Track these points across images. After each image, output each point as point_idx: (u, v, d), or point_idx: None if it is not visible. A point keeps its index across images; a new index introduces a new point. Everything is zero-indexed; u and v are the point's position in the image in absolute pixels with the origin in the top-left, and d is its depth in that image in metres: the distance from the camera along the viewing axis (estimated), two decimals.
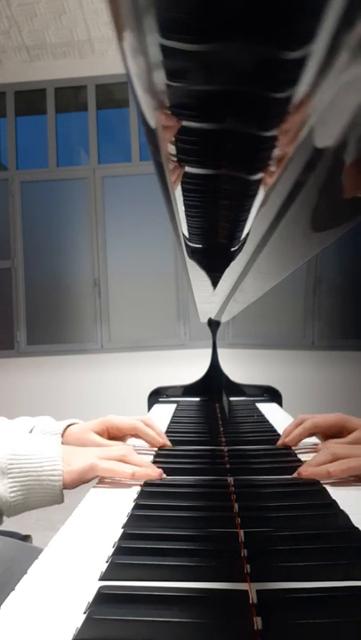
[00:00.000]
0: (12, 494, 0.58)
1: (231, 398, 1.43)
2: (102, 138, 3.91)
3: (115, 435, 0.82)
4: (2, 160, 3.97)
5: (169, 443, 0.83)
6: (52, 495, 0.60)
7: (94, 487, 0.64)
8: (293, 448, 0.81)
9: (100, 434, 0.79)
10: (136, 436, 0.83)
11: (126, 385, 3.58)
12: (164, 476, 0.64)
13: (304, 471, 0.63)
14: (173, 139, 0.20)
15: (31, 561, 0.43)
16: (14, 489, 0.58)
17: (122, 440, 0.83)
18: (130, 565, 0.41)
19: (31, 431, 0.79)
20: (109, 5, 0.12)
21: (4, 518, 0.60)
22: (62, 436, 0.78)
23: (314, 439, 0.84)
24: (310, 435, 0.82)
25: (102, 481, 0.65)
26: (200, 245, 0.43)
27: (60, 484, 0.60)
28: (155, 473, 0.63)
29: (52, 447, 0.62)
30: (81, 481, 0.62)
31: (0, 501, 0.58)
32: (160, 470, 0.64)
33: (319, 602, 0.35)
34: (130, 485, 0.63)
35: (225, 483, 0.64)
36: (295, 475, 0.64)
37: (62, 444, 0.76)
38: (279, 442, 0.84)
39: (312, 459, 0.66)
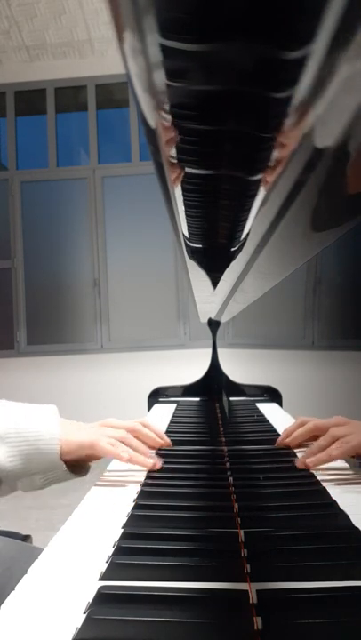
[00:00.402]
0: (10, 461, 0.59)
1: (231, 398, 1.43)
2: (102, 138, 3.91)
3: None
4: (2, 160, 3.97)
5: (169, 442, 0.83)
6: (50, 462, 0.61)
7: (95, 485, 0.64)
8: (294, 448, 0.81)
9: None
10: (136, 438, 0.83)
11: (126, 385, 3.58)
12: (159, 466, 0.66)
13: (310, 462, 0.64)
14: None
15: (31, 561, 0.43)
16: (12, 455, 0.59)
17: None
18: (130, 565, 0.41)
19: None
20: (109, 5, 0.12)
21: (3, 521, 0.60)
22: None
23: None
24: (311, 436, 0.82)
25: (103, 480, 0.65)
26: (200, 245, 0.43)
27: (57, 449, 0.60)
28: (148, 463, 0.65)
29: (50, 416, 0.63)
30: (78, 453, 0.63)
31: None
32: (153, 462, 0.65)
33: (319, 602, 0.35)
34: (128, 484, 0.63)
35: (225, 483, 0.64)
36: (299, 465, 0.65)
37: None
38: (279, 440, 0.83)
39: (312, 445, 0.67)
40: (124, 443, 0.65)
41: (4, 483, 0.61)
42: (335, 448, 0.64)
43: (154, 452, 0.70)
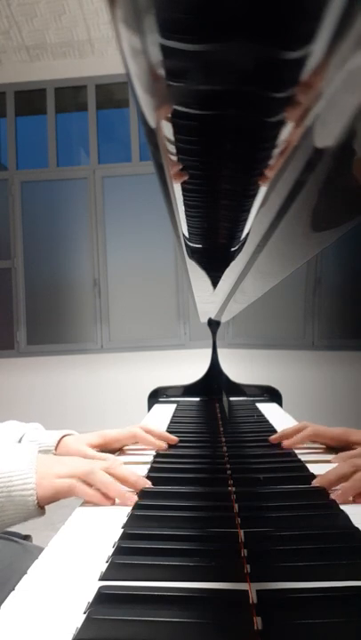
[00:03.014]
0: None
1: (231, 398, 1.43)
2: (102, 138, 3.91)
3: (114, 446, 0.81)
4: (2, 160, 3.97)
5: (175, 438, 0.82)
6: (25, 511, 0.55)
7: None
8: (294, 448, 0.81)
9: (98, 446, 0.77)
10: (137, 444, 0.82)
11: (126, 385, 3.58)
12: (133, 500, 0.57)
13: (337, 497, 0.56)
14: (173, 138, 0.20)
15: (31, 561, 0.43)
16: None
17: (120, 450, 0.82)
18: (130, 565, 0.41)
19: (20, 440, 0.75)
20: (109, 5, 0.12)
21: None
22: (56, 447, 0.74)
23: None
24: (308, 440, 0.81)
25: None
26: (200, 245, 0.43)
27: (33, 499, 0.55)
28: (130, 500, 0.56)
29: (24, 459, 0.57)
30: (57, 498, 0.57)
31: None
32: (134, 498, 0.57)
33: (319, 602, 0.35)
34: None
35: (225, 483, 0.64)
36: (316, 484, 0.60)
37: (55, 454, 0.73)
38: (275, 437, 0.83)
39: (333, 469, 0.60)
40: (111, 473, 0.58)
41: None
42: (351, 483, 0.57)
43: (129, 489, 0.58)
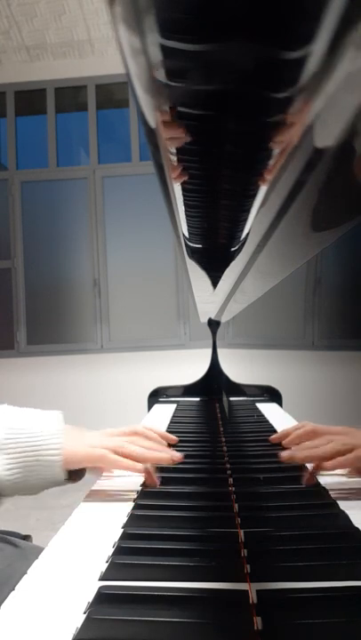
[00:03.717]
0: (9, 472, 0.55)
1: (231, 398, 1.43)
2: (102, 138, 3.91)
3: None
4: (2, 160, 3.97)
5: (175, 438, 0.82)
6: (52, 474, 0.57)
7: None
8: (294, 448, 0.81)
9: None
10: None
11: (126, 385, 3.58)
12: (178, 457, 0.61)
13: (299, 456, 0.62)
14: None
15: (31, 561, 0.43)
16: (11, 466, 0.55)
17: None
18: (130, 565, 0.41)
19: None
20: (109, 5, 0.12)
21: (3, 521, 0.59)
22: None
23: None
24: (306, 439, 0.81)
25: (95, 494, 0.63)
26: (200, 245, 0.43)
27: (59, 458, 0.56)
28: (165, 457, 0.60)
29: (52, 422, 0.59)
30: (83, 465, 0.59)
31: None
32: (169, 456, 0.61)
33: (319, 602, 0.35)
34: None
35: (225, 483, 0.64)
36: (283, 458, 0.63)
37: None
38: (275, 436, 0.83)
39: (306, 443, 0.64)
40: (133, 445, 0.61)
41: (4, 495, 0.57)
42: (329, 453, 0.61)
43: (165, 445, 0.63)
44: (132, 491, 0.61)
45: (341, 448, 0.62)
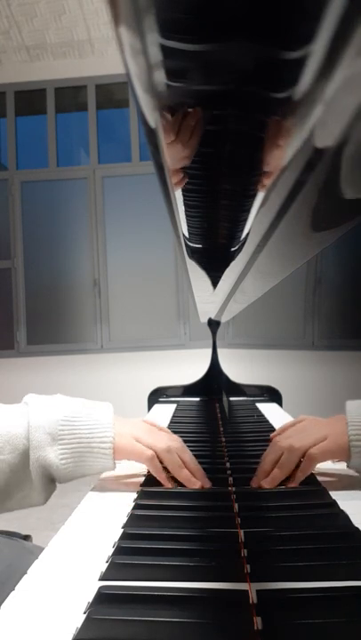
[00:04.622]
0: (63, 461, 0.58)
1: (231, 398, 1.43)
2: (102, 138, 3.91)
3: None
4: (2, 160, 3.97)
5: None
6: (101, 464, 0.59)
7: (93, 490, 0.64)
8: None
9: None
10: None
11: (126, 385, 3.58)
12: (207, 485, 0.62)
13: (265, 483, 0.62)
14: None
15: (31, 561, 0.43)
16: (64, 455, 0.58)
17: None
18: (130, 565, 0.41)
19: None
20: (109, 5, 0.12)
21: (3, 521, 0.60)
22: None
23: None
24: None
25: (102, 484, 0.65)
26: (200, 245, 0.43)
27: (110, 450, 0.59)
28: (195, 485, 0.61)
29: (104, 414, 0.61)
30: (128, 458, 0.61)
31: (52, 468, 0.57)
32: (199, 483, 0.61)
33: (319, 602, 0.35)
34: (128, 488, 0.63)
35: (225, 483, 0.64)
36: (253, 485, 0.63)
37: None
38: (274, 434, 0.83)
39: (267, 457, 0.64)
40: (180, 456, 0.62)
41: (59, 482, 0.60)
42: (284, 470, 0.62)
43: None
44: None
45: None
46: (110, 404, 0.64)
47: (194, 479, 0.61)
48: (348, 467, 0.62)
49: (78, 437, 0.58)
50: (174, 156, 0.22)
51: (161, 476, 0.61)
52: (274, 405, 1.34)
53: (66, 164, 3.98)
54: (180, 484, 0.62)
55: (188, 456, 0.63)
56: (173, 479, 0.62)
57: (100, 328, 3.82)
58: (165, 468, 0.62)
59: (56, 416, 0.59)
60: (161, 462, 0.61)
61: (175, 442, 0.63)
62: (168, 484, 0.61)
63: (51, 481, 0.60)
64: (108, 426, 0.60)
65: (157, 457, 0.61)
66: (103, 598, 0.36)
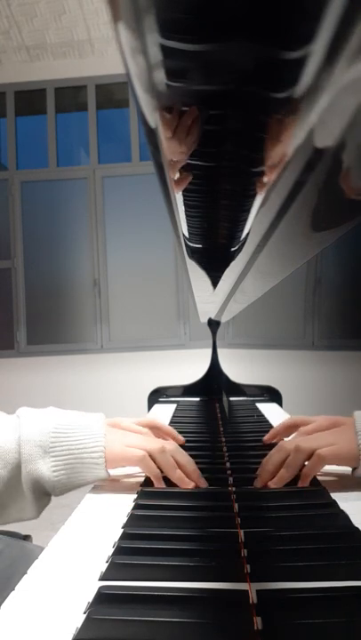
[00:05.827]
0: (55, 473, 0.58)
1: (231, 398, 1.43)
2: (102, 138, 3.91)
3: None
4: (2, 160, 3.97)
5: (182, 439, 0.82)
6: (94, 474, 0.59)
7: (93, 489, 0.64)
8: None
9: None
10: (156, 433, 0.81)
11: (126, 385, 3.58)
12: (191, 485, 0.62)
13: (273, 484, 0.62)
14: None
15: (31, 561, 0.43)
16: (56, 468, 0.58)
17: None
18: (130, 565, 0.41)
19: None
20: (109, 5, 0.12)
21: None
22: None
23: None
24: (289, 431, 0.80)
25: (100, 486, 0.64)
26: (200, 245, 0.43)
27: (102, 460, 0.59)
28: (189, 485, 0.61)
29: (94, 425, 0.61)
30: (123, 465, 0.61)
31: (43, 480, 0.57)
32: (192, 484, 0.61)
33: (319, 602, 0.35)
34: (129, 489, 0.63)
35: (225, 483, 0.64)
36: (258, 486, 0.63)
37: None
38: (267, 436, 0.83)
39: (270, 459, 0.64)
40: (174, 457, 0.62)
41: (54, 495, 0.60)
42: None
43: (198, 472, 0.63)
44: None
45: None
46: (102, 414, 0.64)
47: (187, 479, 0.61)
48: (353, 474, 0.62)
49: (69, 449, 0.59)
50: (172, 150, 0.22)
51: (154, 474, 0.61)
52: (274, 405, 1.34)
53: (66, 164, 3.98)
54: (174, 485, 0.62)
55: (183, 457, 0.63)
56: (168, 480, 0.62)
57: (100, 328, 3.82)
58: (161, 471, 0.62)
59: (47, 428, 0.59)
60: (156, 464, 0.61)
61: (169, 444, 0.63)
62: (159, 484, 0.61)
63: (44, 494, 0.60)
64: (100, 436, 0.60)
65: (151, 457, 0.61)
66: (103, 598, 0.36)
